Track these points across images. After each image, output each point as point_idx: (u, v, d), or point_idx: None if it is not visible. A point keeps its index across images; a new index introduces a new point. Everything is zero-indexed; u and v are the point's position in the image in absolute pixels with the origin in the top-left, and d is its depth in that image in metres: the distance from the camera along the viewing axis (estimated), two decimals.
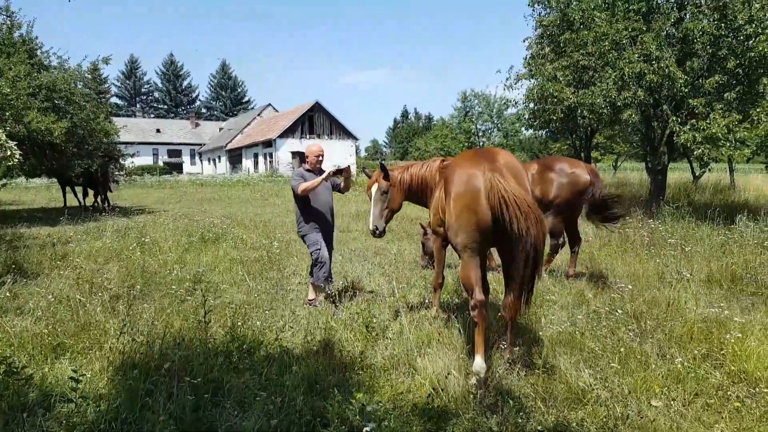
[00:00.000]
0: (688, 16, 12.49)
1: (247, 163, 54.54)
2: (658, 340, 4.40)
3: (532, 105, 15.08)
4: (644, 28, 12.31)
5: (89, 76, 17.13)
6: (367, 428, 2.71)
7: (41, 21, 17.15)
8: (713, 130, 10.77)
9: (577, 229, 7.44)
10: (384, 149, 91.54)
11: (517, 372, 3.97)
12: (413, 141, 66.88)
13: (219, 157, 61.67)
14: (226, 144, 58.73)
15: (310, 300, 5.99)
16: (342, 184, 6.24)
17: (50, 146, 15.45)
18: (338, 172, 6.00)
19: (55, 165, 16.77)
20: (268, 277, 7.28)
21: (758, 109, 10.84)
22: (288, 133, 49.60)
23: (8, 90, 10.49)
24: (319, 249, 5.95)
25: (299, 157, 46.78)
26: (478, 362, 3.80)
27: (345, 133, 52.35)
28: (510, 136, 36.16)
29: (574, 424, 3.25)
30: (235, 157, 57.76)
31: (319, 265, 5.94)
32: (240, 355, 4.18)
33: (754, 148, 11.24)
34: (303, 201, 5.97)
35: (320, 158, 6.15)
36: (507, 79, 15.45)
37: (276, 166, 47.98)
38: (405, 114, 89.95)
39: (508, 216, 3.55)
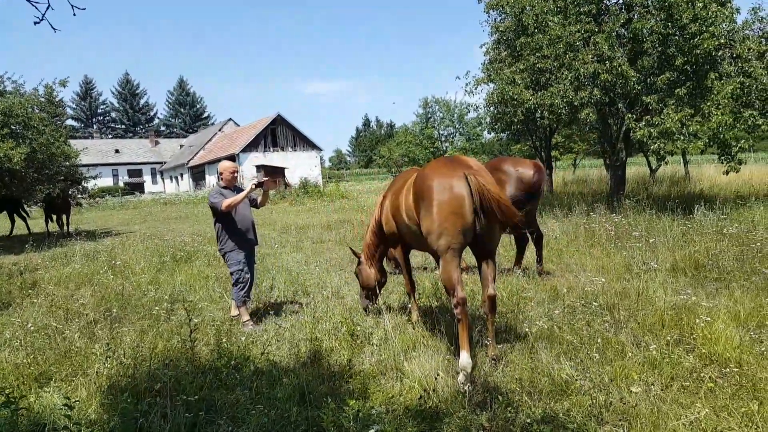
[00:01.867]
0: (636, 17, 13.05)
1: (210, 179, 53.73)
2: (632, 329, 4.61)
3: (492, 109, 15.45)
4: (596, 30, 12.81)
5: (46, 100, 16.68)
6: (373, 430, 2.77)
7: None
8: (667, 125, 11.27)
9: (536, 224, 7.66)
10: (348, 158, 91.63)
11: (502, 368, 4.11)
12: (377, 149, 67.12)
13: (181, 175, 60.58)
14: (188, 161, 57.77)
15: (234, 316, 6.03)
16: (259, 199, 6.23)
17: (9, 173, 14.99)
18: (259, 185, 5.95)
19: (15, 191, 16.24)
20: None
21: (708, 103, 11.39)
22: (251, 147, 49.18)
23: None
24: (242, 270, 5.94)
25: (264, 170, 46.48)
26: (465, 358, 3.95)
27: (309, 145, 52.26)
28: (472, 140, 36.76)
29: (561, 414, 3.39)
30: (198, 174, 56.86)
31: (240, 286, 5.92)
32: (228, 371, 4.19)
33: (706, 140, 11.76)
34: (225, 218, 5.90)
35: (235, 174, 6.20)
36: (467, 85, 15.81)
37: (241, 181, 47.43)
38: (367, 123, 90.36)
39: (491, 210, 3.92)
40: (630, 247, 7.59)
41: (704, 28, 11.46)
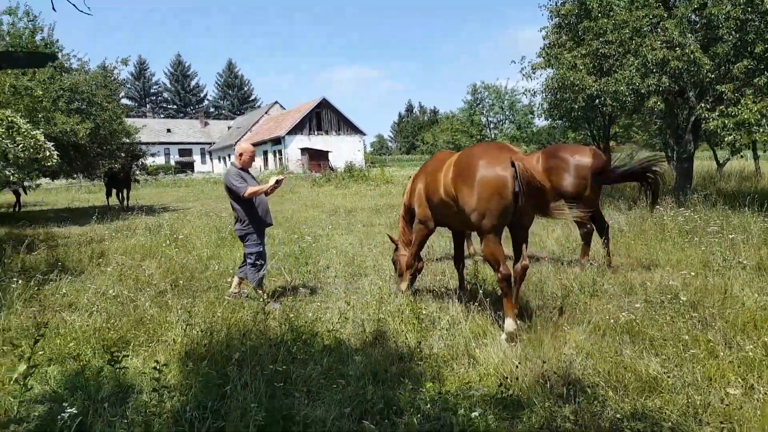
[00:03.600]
0: (710, 2, 12.32)
1: (258, 160, 54.80)
2: (721, 328, 4.34)
3: (549, 95, 14.98)
4: (665, 15, 12.18)
5: (110, 77, 17.26)
6: (476, 413, 2.69)
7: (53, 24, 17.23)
8: (745, 116, 10.63)
9: (601, 214, 7.40)
10: (389, 144, 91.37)
11: (583, 360, 3.96)
12: (420, 135, 66.57)
13: (229, 156, 61.91)
14: (236, 142, 58.90)
15: (234, 293, 5.94)
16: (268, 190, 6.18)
17: (74, 147, 15.61)
18: (278, 182, 6.04)
19: (79, 165, 16.96)
20: (303, 271, 7.29)
21: None
22: (296, 130, 49.71)
23: (40, 92, 10.59)
24: (261, 251, 5.94)
25: (308, 153, 46.94)
26: (510, 323, 4.34)
27: (352, 129, 52.38)
28: (522, 128, 35.83)
29: (653, 412, 3.22)
30: None
31: (257, 267, 5.91)
32: (298, 346, 4.19)
33: None
34: (247, 201, 5.92)
35: (254, 157, 6.23)
36: (522, 69, 15.40)
37: (286, 163, 48.14)
38: (410, 108, 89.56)
39: (529, 195, 4.19)
40: (707, 242, 7.18)
41: None
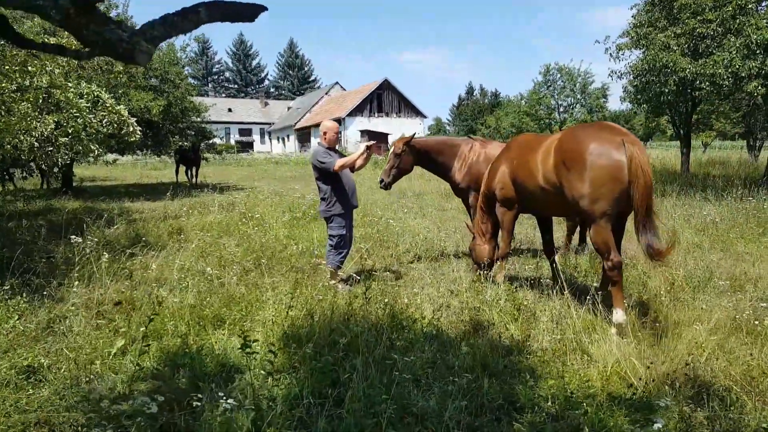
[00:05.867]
0: None
1: (315, 141, 55.32)
2: None
3: (635, 77, 14.12)
4: None
5: (182, 54, 17.64)
6: (658, 425, 2.46)
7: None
8: None
9: None
10: (447, 127, 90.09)
11: (708, 360, 3.64)
12: (480, 118, 65.18)
13: (288, 136, 62.85)
14: (295, 123, 59.68)
15: (332, 284, 5.67)
16: (358, 162, 5.97)
17: (147, 124, 16.09)
18: (367, 148, 5.89)
19: (151, 142, 17.52)
20: (384, 255, 7.17)
21: None
22: (356, 111, 49.73)
23: (120, 68, 10.90)
24: (344, 233, 5.79)
25: (367, 134, 46.88)
26: (620, 314, 4.14)
27: (413, 111, 51.91)
28: (594, 111, 34.34)
29: None
30: (303, 135, 58.65)
31: (338, 251, 5.78)
32: (398, 333, 4.06)
33: None
34: (334, 180, 5.73)
35: (338, 134, 6.06)
36: (606, 50, 14.56)
37: (345, 145, 48.32)
38: (470, 91, 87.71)
39: (637, 187, 3.95)
40: None
41: None
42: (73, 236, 5.36)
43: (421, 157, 6.80)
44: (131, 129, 8.63)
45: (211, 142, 19.25)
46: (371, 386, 3.11)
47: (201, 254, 6.94)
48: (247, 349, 2.96)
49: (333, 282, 5.65)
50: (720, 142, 38.57)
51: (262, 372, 3.30)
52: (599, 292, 4.68)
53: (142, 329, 3.60)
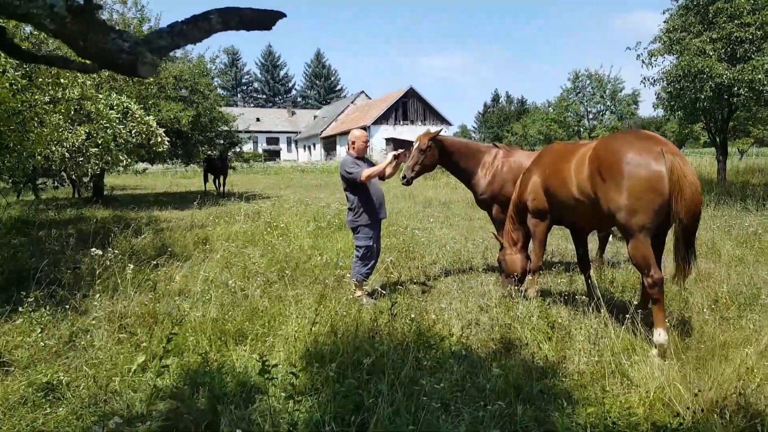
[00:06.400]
0: None
1: (341, 150, 55.53)
2: None
3: (668, 84, 13.68)
4: None
5: (212, 66, 17.87)
6: None
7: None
8: None
9: None
10: (473, 135, 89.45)
11: (759, 387, 3.36)
12: (506, 126, 64.50)
13: (314, 145, 63.29)
14: (321, 132, 60.10)
15: (357, 297, 5.46)
16: (388, 171, 5.80)
17: (176, 134, 16.32)
18: (395, 157, 5.76)
19: (181, 152, 17.76)
20: (410, 267, 7.00)
21: None
22: (382, 119, 49.81)
23: (150, 79, 11.05)
24: (371, 245, 5.65)
25: (392, 142, 46.82)
26: (662, 334, 3.91)
27: (438, 118, 51.76)
28: (624, 118, 33.58)
29: None
30: (329, 144, 58.99)
31: (364, 262, 5.64)
32: (425, 351, 3.89)
33: None
34: (361, 190, 5.60)
35: (367, 144, 5.91)
36: (638, 56, 14.17)
37: (371, 153, 48.37)
38: (496, 98, 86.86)
39: (680, 199, 3.76)
40: None
41: None
42: (93, 248, 5.32)
43: (446, 157, 6.47)
44: (159, 139, 8.70)
45: (238, 150, 19.40)
46: (396, 412, 2.94)
47: (225, 265, 6.88)
48: (267, 375, 2.81)
49: (358, 294, 5.51)
50: (757, 149, 37.27)
51: (283, 394, 3.16)
52: (639, 311, 4.42)
53: (162, 346, 3.51)
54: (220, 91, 21.04)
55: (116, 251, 5.90)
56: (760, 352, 3.78)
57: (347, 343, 3.77)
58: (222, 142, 18.01)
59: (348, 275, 5.88)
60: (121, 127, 8.99)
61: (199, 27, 1.20)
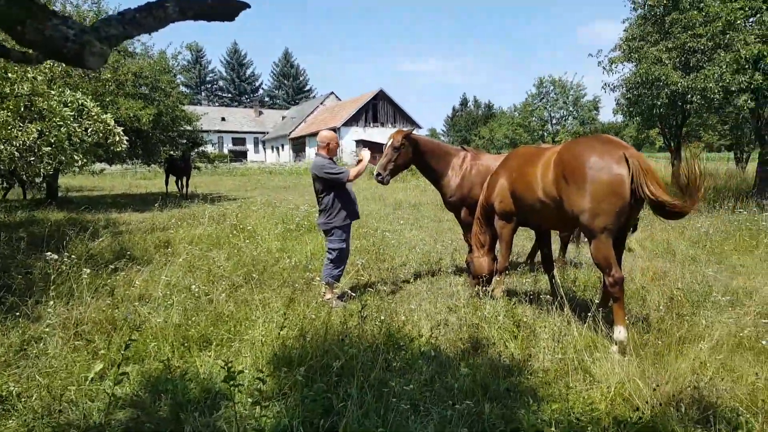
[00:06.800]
0: None
1: (310, 151, 55.12)
2: None
3: (624, 90, 14.16)
4: (764, 7, 11.19)
5: (174, 62, 17.42)
6: None
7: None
8: None
9: None
10: (442, 138, 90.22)
11: (712, 380, 3.49)
12: (474, 129, 65.40)
13: (282, 146, 62.61)
14: (290, 132, 59.49)
15: (326, 299, 5.46)
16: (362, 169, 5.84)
17: (136, 133, 15.83)
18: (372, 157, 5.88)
19: (141, 151, 17.25)
20: (380, 268, 6.99)
21: None
22: (352, 121, 49.72)
23: (108, 75, 10.69)
24: (345, 247, 5.66)
25: (363, 144, 46.79)
26: (622, 332, 4.04)
27: (408, 122, 52.05)
28: (586, 123, 34.53)
29: None
30: (298, 145, 58.46)
31: (336, 264, 5.63)
32: (394, 353, 3.88)
33: None
34: (340, 191, 5.59)
35: (338, 144, 5.97)
36: (599, 63, 14.59)
37: (341, 155, 48.22)
38: (464, 102, 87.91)
39: (644, 198, 3.90)
40: None
41: None
42: (48, 253, 5.09)
43: (419, 156, 6.44)
44: (117, 138, 8.40)
45: (202, 150, 18.95)
46: (366, 414, 2.92)
47: (189, 269, 6.69)
48: (231, 382, 2.74)
49: (328, 297, 5.47)
50: (707, 154, 38.88)
51: (250, 399, 3.10)
52: (600, 309, 4.53)
53: (121, 352, 3.38)
54: (182, 88, 20.51)
55: (72, 255, 5.65)
56: (712, 347, 3.93)
57: (316, 346, 3.73)
58: (185, 141, 17.55)
59: (318, 278, 5.82)
60: (76, 125, 8.62)
61: (154, 15, 1.14)
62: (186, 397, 3.31)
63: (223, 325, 4.56)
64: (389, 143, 6.23)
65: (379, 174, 6.21)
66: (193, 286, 5.57)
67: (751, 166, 22.77)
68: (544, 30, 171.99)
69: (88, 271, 5.28)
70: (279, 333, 3.97)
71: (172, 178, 19.04)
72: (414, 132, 6.53)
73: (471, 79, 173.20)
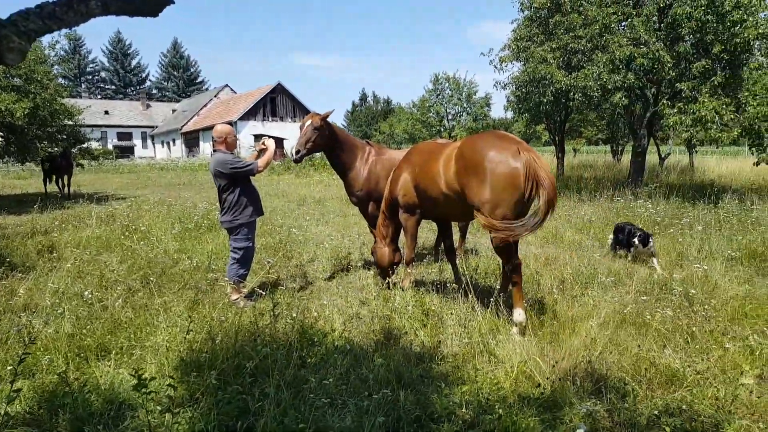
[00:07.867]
0: (675, 2, 12.71)
1: (205, 146, 52.69)
2: (712, 318, 4.43)
3: (514, 88, 15.13)
4: (633, 13, 12.47)
5: (51, 52, 15.89)
6: (581, 430, 2.50)
7: None
8: (703, 113, 11.04)
9: None
10: None
11: (602, 354, 3.90)
12: (374, 125, 66.28)
13: (174, 140, 59.25)
14: (182, 126, 56.45)
15: (233, 300, 5.33)
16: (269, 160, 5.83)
17: (9, 128, 14.32)
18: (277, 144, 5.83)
19: (14, 148, 15.59)
20: (288, 266, 6.93)
21: (746, 94, 11.18)
22: (249, 115, 48.18)
23: None
24: (250, 246, 5.56)
25: (261, 138, 45.62)
26: (521, 314, 4.34)
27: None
28: (479, 119, 36.36)
29: (685, 406, 3.17)
30: (191, 140, 55.64)
31: (241, 264, 5.49)
32: (310, 349, 3.90)
33: (740, 130, 11.58)
34: (245, 186, 5.50)
35: (236, 138, 5.97)
36: (491, 62, 15.42)
37: (238, 150, 46.61)
38: (364, 97, 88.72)
39: (539, 191, 4.16)
40: (674, 234, 7.42)
41: (746, 17, 11.17)
42: None
43: (332, 142, 6.39)
44: None
45: (85, 146, 17.43)
46: (284, 412, 2.92)
47: (78, 275, 6.20)
48: (144, 390, 2.62)
49: (235, 298, 5.32)
50: (587, 147, 42.61)
51: (159, 407, 2.97)
52: (501, 294, 4.85)
53: (11, 368, 3.08)
54: (60, 80, 18.76)
55: None
56: (600, 324, 4.37)
57: (227, 348, 3.64)
58: (65, 137, 16.05)
59: (223, 278, 5.64)
60: None
61: (75, 9, 1.07)
62: (87, 410, 3.10)
63: (121, 333, 4.31)
64: (308, 123, 6.13)
65: (298, 151, 6.07)
66: (86, 293, 5.19)
67: (626, 158, 25.44)
68: (439, 29, 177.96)
69: None
70: (185, 337, 3.82)
71: (53, 177, 17.39)
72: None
73: (370, 74, 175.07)
